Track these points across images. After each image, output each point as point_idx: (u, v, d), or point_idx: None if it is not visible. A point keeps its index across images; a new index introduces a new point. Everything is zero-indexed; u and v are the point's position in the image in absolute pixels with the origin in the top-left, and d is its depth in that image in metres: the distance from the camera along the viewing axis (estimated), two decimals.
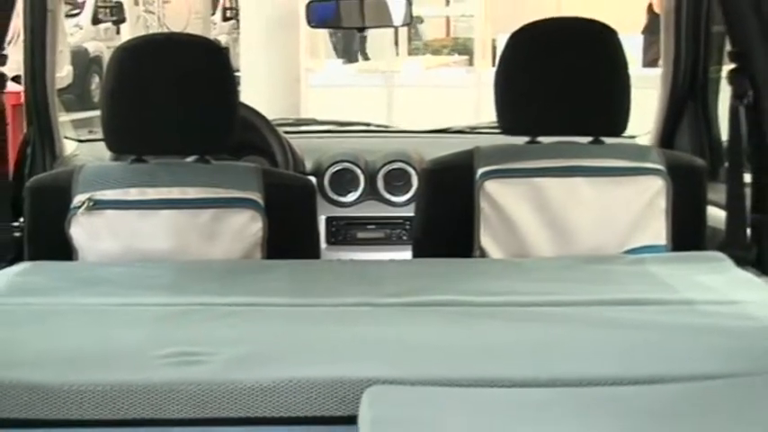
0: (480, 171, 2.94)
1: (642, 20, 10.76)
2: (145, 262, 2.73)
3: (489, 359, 1.97)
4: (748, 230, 2.87)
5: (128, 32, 13.92)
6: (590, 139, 3.02)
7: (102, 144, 2.99)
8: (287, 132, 4.04)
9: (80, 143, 4.10)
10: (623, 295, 2.36)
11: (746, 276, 2.54)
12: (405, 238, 3.88)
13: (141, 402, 1.85)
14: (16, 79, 3.68)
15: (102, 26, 15.61)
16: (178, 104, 2.86)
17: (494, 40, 12.39)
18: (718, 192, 3.06)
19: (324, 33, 13.03)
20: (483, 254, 2.92)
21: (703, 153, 3.65)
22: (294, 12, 8.90)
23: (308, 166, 3.97)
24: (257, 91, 8.67)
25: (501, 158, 2.96)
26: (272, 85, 9.36)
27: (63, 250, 2.81)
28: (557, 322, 2.19)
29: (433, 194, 3.09)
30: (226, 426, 1.87)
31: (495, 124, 3.10)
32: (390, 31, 11.77)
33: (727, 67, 2.97)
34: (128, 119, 2.87)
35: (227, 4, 18.22)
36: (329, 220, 3.93)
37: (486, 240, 2.93)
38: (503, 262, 2.87)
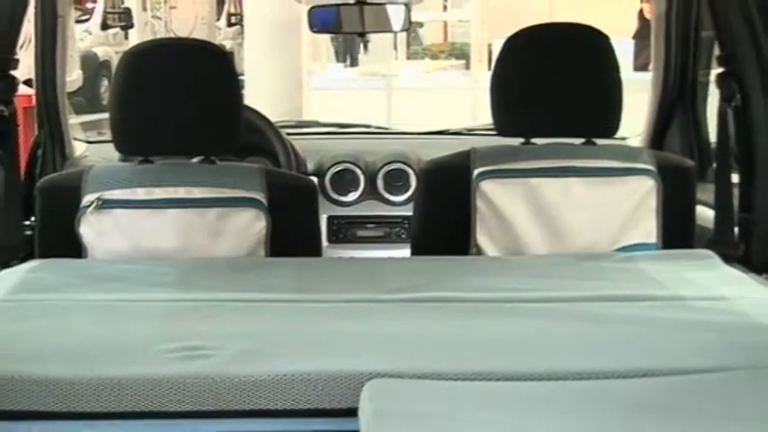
0: (476, 171, 2.94)
1: (633, 25, 10.75)
2: (152, 259, 2.73)
3: (486, 353, 1.97)
4: (736, 229, 2.87)
5: (136, 38, 13.89)
6: (583, 140, 3.02)
7: (111, 145, 2.99)
8: (289, 134, 4.04)
9: (89, 144, 4.10)
10: (615, 291, 2.36)
11: (734, 273, 2.54)
12: (403, 236, 3.88)
13: (149, 395, 1.85)
14: (28, 83, 3.68)
15: (110, 31, 15.58)
16: (184, 107, 2.86)
17: (489, 45, 12.40)
18: (706, 191, 3.06)
19: (326, 38, 13.02)
20: (479, 251, 2.92)
21: (692, 154, 3.65)
22: (297, 17, 8.90)
23: (310, 166, 3.96)
24: (261, 94, 8.66)
25: (496, 159, 2.95)
26: (275, 89, 9.36)
27: (73, 248, 2.81)
28: (551, 318, 2.19)
29: (430, 194, 3.09)
30: (231, 418, 1.87)
31: (491, 126, 3.10)
32: (390, 35, 11.76)
33: (716, 70, 2.97)
34: (135, 121, 2.87)
35: (232, 11, 18.19)
36: (330, 219, 3.93)
37: (482, 238, 2.93)
38: (498, 259, 2.86)
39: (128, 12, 14.64)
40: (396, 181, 3.94)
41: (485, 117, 3.50)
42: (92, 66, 14.25)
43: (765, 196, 2.79)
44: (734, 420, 1.69)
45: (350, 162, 3.95)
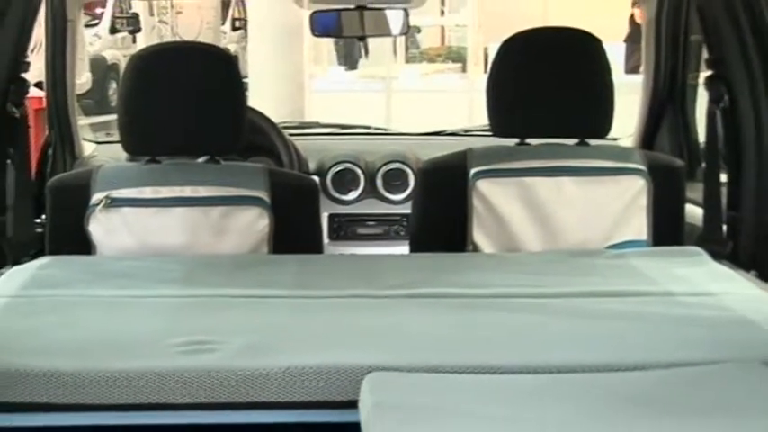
0: (473, 171, 2.94)
1: (624, 29, 10.74)
2: (159, 256, 2.73)
3: (482, 347, 1.97)
4: (724, 227, 2.87)
5: (143, 41, 13.89)
6: (576, 141, 3.01)
7: (119, 146, 2.98)
8: (292, 135, 4.04)
9: (98, 145, 4.10)
10: (607, 287, 2.36)
11: (722, 270, 2.54)
12: (402, 233, 3.88)
13: (155, 388, 1.85)
14: (38, 85, 3.68)
15: (119, 36, 15.58)
16: (190, 109, 2.85)
17: (485, 49, 12.38)
18: (695, 190, 3.06)
19: (327, 42, 13.01)
20: (476, 249, 2.92)
21: (682, 154, 3.65)
22: (299, 22, 8.89)
23: (312, 166, 3.96)
24: (264, 96, 8.66)
25: (492, 159, 2.95)
26: (278, 91, 9.36)
27: (82, 245, 2.81)
28: (545, 312, 2.19)
29: (428, 193, 3.09)
30: (234, 410, 1.87)
31: (487, 127, 3.10)
32: (389, 40, 11.75)
33: (705, 73, 2.97)
34: (143, 122, 2.87)
35: (236, 15, 18.18)
36: (331, 217, 3.93)
37: (478, 236, 2.92)
38: (494, 256, 2.86)
39: (135, 16, 14.62)
40: (395, 180, 3.94)
41: (481, 118, 3.50)
42: (100, 69, 14.25)
43: (753, 195, 2.79)
44: (723, 411, 1.69)
45: (350, 162, 3.95)
